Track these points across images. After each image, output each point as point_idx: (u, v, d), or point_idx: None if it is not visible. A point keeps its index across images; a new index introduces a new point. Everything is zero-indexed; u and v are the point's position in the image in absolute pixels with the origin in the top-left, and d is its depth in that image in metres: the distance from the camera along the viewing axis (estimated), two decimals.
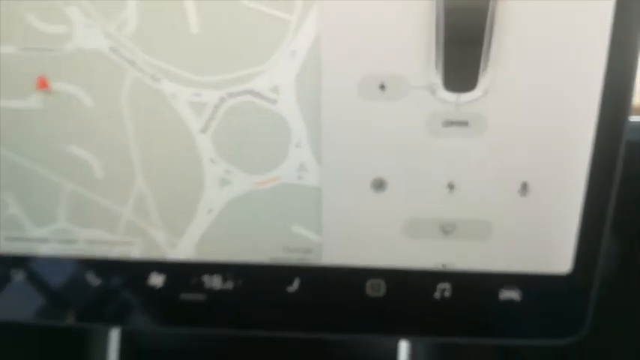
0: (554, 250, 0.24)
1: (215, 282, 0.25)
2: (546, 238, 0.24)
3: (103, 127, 0.22)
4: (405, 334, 0.26)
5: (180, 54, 0.21)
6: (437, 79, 0.21)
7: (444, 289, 0.25)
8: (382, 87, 0.21)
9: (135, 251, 0.25)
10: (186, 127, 0.22)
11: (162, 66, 0.21)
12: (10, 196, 0.24)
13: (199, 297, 0.25)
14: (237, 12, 0.20)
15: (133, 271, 0.25)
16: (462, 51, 0.20)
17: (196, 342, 0.32)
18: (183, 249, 0.25)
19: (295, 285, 0.25)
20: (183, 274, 0.25)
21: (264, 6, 0.20)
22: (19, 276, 0.26)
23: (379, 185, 0.23)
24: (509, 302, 0.25)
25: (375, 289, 0.25)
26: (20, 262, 0.25)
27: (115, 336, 0.31)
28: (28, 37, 0.21)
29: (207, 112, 0.22)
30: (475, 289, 0.25)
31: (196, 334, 0.31)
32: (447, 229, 0.24)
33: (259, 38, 0.21)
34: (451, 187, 0.23)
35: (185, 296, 0.25)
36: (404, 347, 0.28)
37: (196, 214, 0.24)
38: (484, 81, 0.21)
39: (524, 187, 0.23)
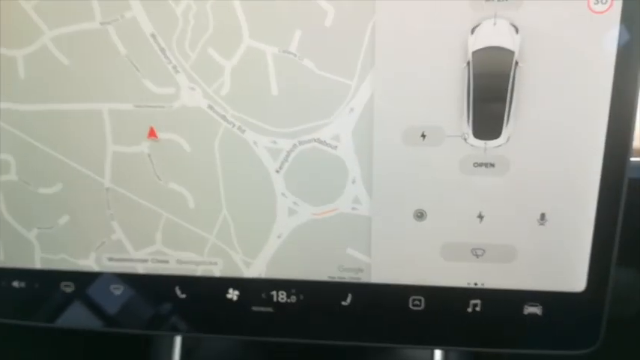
0: (570, 271, 0.28)
1: (281, 296, 0.30)
2: (563, 261, 0.28)
3: (197, 168, 0.28)
4: (441, 343, 0.31)
5: (262, 110, 0.27)
6: (468, 129, 0.26)
7: (476, 304, 0.29)
8: (423, 135, 0.26)
9: (216, 270, 0.30)
10: (264, 168, 0.28)
11: (247, 120, 0.27)
12: (116, 224, 0.30)
13: (268, 309, 0.30)
14: (309, 78, 0.26)
15: (214, 286, 0.30)
16: (489, 108, 0.25)
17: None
18: (256, 268, 0.29)
19: (348, 300, 0.30)
20: (255, 289, 0.30)
21: (330, 74, 0.26)
22: (118, 291, 0.31)
23: (420, 215, 0.28)
24: (533, 317, 0.29)
25: (416, 304, 0.29)
26: (119, 278, 0.31)
27: (178, 340, 0.35)
28: (143, 97, 0.27)
29: (281, 156, 0.27)
30: (502, 304, 0.29)
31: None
32: (477, 253, 0.28)
33: (325, 98, 0.26)
34: (480, 217, 0.28)
35: (256, 308, 0.30)
36: (438, 355, 0.32)
37: (268, 239, 0.29)
38: (507, 131, 0.26)
39: (543, 217, 0.27)
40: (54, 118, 0.28)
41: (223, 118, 0.27)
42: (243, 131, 0.27)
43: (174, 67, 0.26)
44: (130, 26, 0.26)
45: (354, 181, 0.27)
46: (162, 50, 0.26)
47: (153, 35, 0.26)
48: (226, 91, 0.27)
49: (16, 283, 0.31)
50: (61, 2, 0.26)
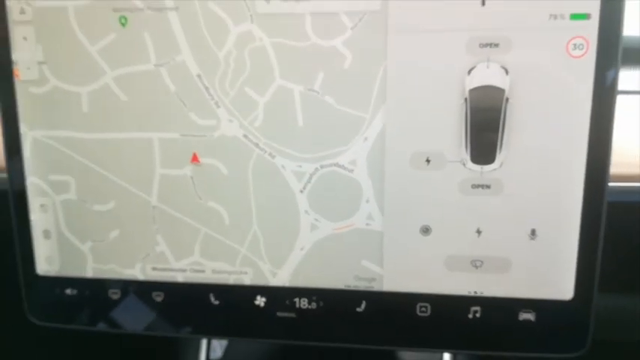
0: (559, 281, 0.31)
1: (303, 303, 0.34)
2: (552, 272, 0.31)
3: (233, 188, 0.32)
4: (445, 347, 0.34)
5: (289, 139, 0.31)
6: (466, 155, 0.30)
7: (476, 311, 0.32)
8: (427, 160, 0.31)
9: (246, 279, 0.34)
10: (290, 188, 0.32)
11: (277, 147, 0.31)
12: (161, 237, 0.34)
13: (291, 315, 0.34)
14: (330, 112, 0.30)
15: (244, 294, 0.34)
16: (484, 137, 0.30)
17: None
18: (282, 277, 0.33)
19: (363, 306, 0.33)
20: (280, 296, 0.34)
21: (348, 108, 0.30)
22: (159, 297, 0.35)
23: (425, 230, 0.32)
24: (527, 322, 0.32)
25: (423, 310, 0.33)
26: (161, 286, 0.35)
27: (204, 343, 0.39)
28: (188, 127, 0.32)
29: (305, 178, 0.32)
30: (500, 311, 0.32)
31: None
32: (476, 264, 0.32)
33: (344, 129, 0.31)
34: (479, 232, 0.31)
35: (280, 314, 0.34)
36: (447, 358, 0.35)
37: (292, 251, 0.33)
38: (500, 157, 0.30)
39: (533, 233, 0.31)
40: (111, 145, 0.33)
41: (256, 145, 0.31)
42: (273, 157, 0.31)
43: (216, 103, 0.31)
44: (180, 68, 0.31)
45: (367, 200, 0.32)
46: (206, 88, 0.31)
47: (199, 75, 0.31)
48: (259, 123, 0.31)
49: (68, 291, 0.36)
50: (122, 47, 0.31)
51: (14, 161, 0.34)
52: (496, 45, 0.28)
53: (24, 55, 0.32)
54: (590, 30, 0.28)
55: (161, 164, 0.32)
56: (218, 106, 0.31)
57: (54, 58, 0.32)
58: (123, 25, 0.31)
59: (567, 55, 0.28)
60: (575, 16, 0.28)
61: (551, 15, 0.28)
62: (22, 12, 0.32)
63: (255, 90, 0.31)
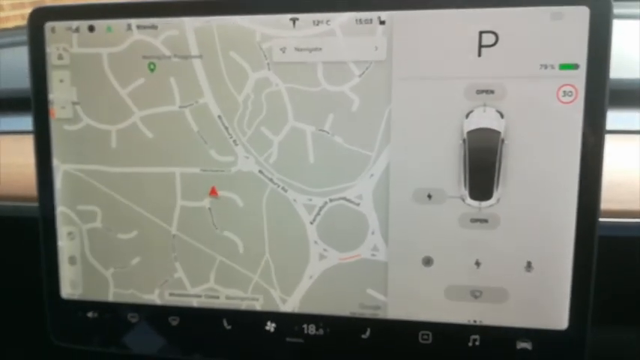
0: (554, 312, 0.33)
1: (311, 329, 0.36)
2: (547, 303, 0.33)
3: (248, 220, 0.35)
4: None
5: (301, 175, 0.34)
6: (465, 192, 0.32)
7: (475, 339, 0.34)
8: (429, 196, 0.33)
9: (258, 305, 0.36)
10: (301, 220, 0.34)
11: (289, 182, 0.34)
12: (179, 265, 0.36)
13: (299, 340, 0.36)
14: (339, 150, 0.33)
15: (256, 319, 0.36)
16: (481, 175, 0.32)
17: None
18: (291, 304, 0.35)
19: (367, 333, 0.35)
20: (290, 322, 0.36)
21: (355, 147, 0.33)
22: (175, 321, 0.37)
23: (427, 262, 0.34)
24: (524, 351, 0.33)
25: (425, 338, 0.34)
26: (177, 311, 0.37)
27: None
28: (208, 163, 0.34)
29: (315, 211, 0.34)
30: (498, 340, 0.34)
31: None
32: (476, 294, 0.34)
33: (351, 166, 0.33)
34: (478, 263, 0.33)
35: (290, 339, 0.36)
36: None
37: (302, 279, 0.35)
38: (497, 194, 0.32)
39: (529, 265, 0.33)
40: (136, 178, 0.35)
41: (270, 180, 0.34)
42: (286, 191, 0.34)
43: (234, 141, 0.34)
44: (202, 109, 0.34)
45: (373, 232, 0.34)
46: (226, 128, 0.34)
47: (219, 116, 0.34)
48: (274, 160, 0.34)
49: (90, 314, 0.38)
50: (150, 90, 0.34)
51: (45, 192, 0.37)
52: (492, 91, 0.31)
53: (60, 96, 0.35)
54: (579, 79, 0.30)
55: (182, 196, 0.35)
56: (236, 144, 0.34)
57: (87, 99, 0.35)
58: (152, 70, 0.34)
59: (558, 101, 0.31)
60: (564, 66, 0.31)
61: (542, 65, 0.31)
62: (60, 58, 0.35)
63: (271, 130, 0.34)
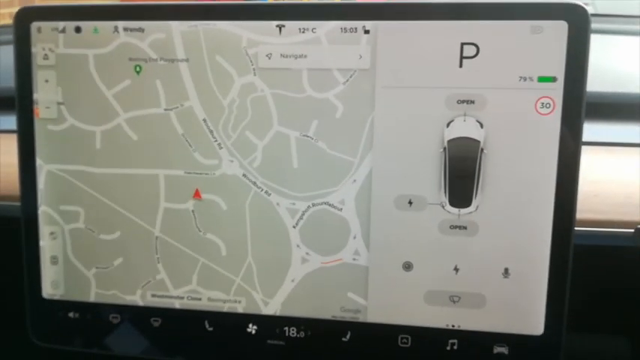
0: (530, 317, 0.33)
1: (292, 332, 0.36)
2: (524, 309, 0.33)
3: (231, 223, 0.35)
4: None
5: (285, 179, 0.34)
6: (445, 199, 0.33)
7: (454, 343, 0.35)
8: (410, 202, 0.33)
9: (240, 307, 0.36)
10: (283, 224, 0.35)
11: (273, 186, 0.34)
12: (161, 266, 0.36)
13: (281, 343, 0.36)
14: (322, 156, 0.34)
15: (237, 321, 0.36)
16: (461, 183, 0.33)
17: None
18: (273, 307, 0.36)
19: (348, 336, 0.36)
20: (271, 325, 0.36)
21: (338, 153, 0.33)
22: (157, 323, 0.37)
23: (407, 267, 0.34)
24: (501, 355, 0.34)
25: (404, 342, 0.35)
26: (159, 312, 0.37)
27: None
28: (192, 166, 0.35)
29: (298, 215, 0.34)
30: (475, 344, 0.34)
31: None
32: (454, 299, 0.34)
33: (334, 171, 0.34)
34: (456, 269, 0.34)
35: (271, 342, 0.36)
36: None
37: (284, 282, 0.35)
38: (476, 201, 0.33)
39: (507, 271, 0.33)
40: (120, 179, 0.36)
41: (254, 184, 0.34)
42: (269, 194, 0.34)
43: (219, 144, 0.34)
44: (187, 112, 0.34)
45: (355, 237, 0.34)
46: (211, 131, 0.34)
47: (204, 120, 0.34)
48: (258, 164, 0.34)
49: (71, 314, 0.38)
50: (136, 93, 0.35)
51: (28, 191, 0.37)
52: (472, 102, 0.32)
53: (44, 96, 0.35)
54: (556, 91, 0.31)
55: (166, 198, 0.35)
56: (220, 148, 0.34)
57: (72, 99, 0.35)
58: (137, 72, 0.34)
59: (536, 113, 0.32)
60: (542, 79, 0.31)
61: (520, 77, 0.31)
62: (46, 58, 0.35)
63: (255, 134, 0.34)
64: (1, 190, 0.45)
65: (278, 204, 0.34)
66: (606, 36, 0.66)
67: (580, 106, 0.31)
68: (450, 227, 0.33)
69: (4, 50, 0.70)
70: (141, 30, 0.34)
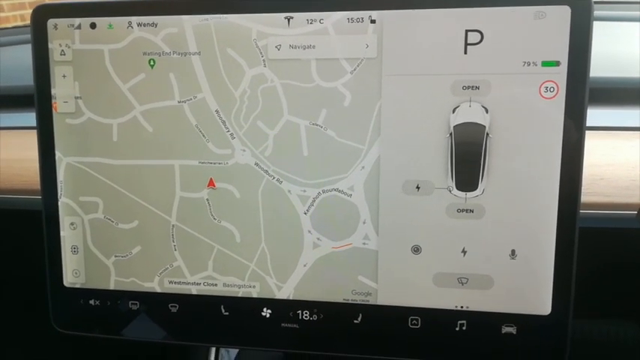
0: (538, 298, 0.34)
1: (305, 315, 0.37)
2: (531, 289, 0.34)
3: (244, 210, 0.36)
4: (436, 358, 0.37)
5: (296, 167, 0.35)
6: (452, 183, 0.34)
7: (462, 324, 0.35)
8: (418, 187, 0.34)
9: (254, 292, 0.37)
10: (295, 210, 0.36)
11: (284, 174, 0.35)
12: (178, 254, 0.37)
13: (295, 325, 0.37)
14: (331, 143, 0.35)
15: (252, 306, 0.37)
16: (467, 167, 0.33)
17: None
18: (286, 291, 0.37)
19: (359, 318, 0.37)
20: (285, 308, 0.37)
21: (347, 140, 0.34)
22: (174, 308, 0.38)
23: (416, 250, 0.35)
24: (509, 335, 0.35)
25: (414, 323, 0.36)
26: (176, 298, 0.38)
27: (213, 351, 0.42)
28: (206, 156, 0.36)
29: (309, 201, 0.35)
30: (484, 325, 0.35)
31: None
32: (462, 281, 0.35)
33: (343, 158, 0.35)
34: (464, 251, 0.35)
35: (285, 325, 0.37)
36: None
37: (296, 267, 0.36)
38: (482, 185, 0.34)
39: (513, 253, 0.34)
40: (136, 170, 0.37)
41: (266, 172, 0.35)
42: (281, 182, 0.35)
43: (231, 135, 0.35)
44: (200, 104, 0.35)
45: (364, 222, 0.35)
46: (223, 122, 0.35)
47: (217, 111, 0.35)
48: (269, 153, 0.35)
49: (92, 302, 0.39)
50: (150, 86, 0.36)
51: (48, 184, 0.38)
52: (477, 87, 0.33)
53: (62, 91, 0.37)
54: (560, 75, 0.32)
55: (181, 188, 0.36)
56: (233, 138, 0.35)
57: (89, 93, 0.37)
58: (152, 66, 0.35)
59: (540, 97, 0.32)
60: (546, 64, 0.32)
61: (525, 62, 0.32)
62: (63, 53, 0.36)
63: (266, 124, 0.35)
64: (21, 185, 0.46)
65: (289, 191, 0.35)
66: (607, 23, 0.67)
67: (584, 89, 0.32)
68: (457, 211, 0.34)
69: (17, 50, 0.72)
70: (154, 25, 0.35)
